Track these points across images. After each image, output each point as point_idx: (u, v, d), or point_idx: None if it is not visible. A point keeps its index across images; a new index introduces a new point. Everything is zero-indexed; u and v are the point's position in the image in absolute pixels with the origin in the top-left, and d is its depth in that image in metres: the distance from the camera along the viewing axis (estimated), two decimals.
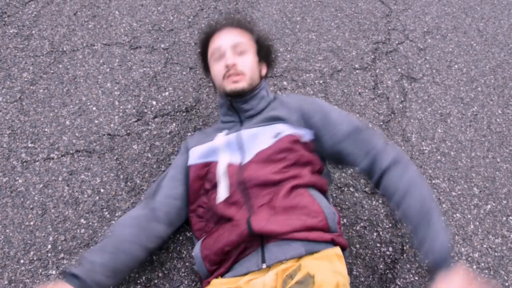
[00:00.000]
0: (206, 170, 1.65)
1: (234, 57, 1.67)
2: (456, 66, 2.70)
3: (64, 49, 2.50)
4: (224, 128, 1.74)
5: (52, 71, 2.38)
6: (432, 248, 1.34)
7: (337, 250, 1.40)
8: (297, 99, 1.74)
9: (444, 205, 2.01)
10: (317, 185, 1.58)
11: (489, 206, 2.03)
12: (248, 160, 1.58)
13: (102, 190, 1.96)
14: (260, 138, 1.61)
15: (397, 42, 2.80)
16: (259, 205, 1.47)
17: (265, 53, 1.84)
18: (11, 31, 2.56)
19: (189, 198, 1.70)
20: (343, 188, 2.03)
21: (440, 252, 1.33)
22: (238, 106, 1.72)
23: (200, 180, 1.66)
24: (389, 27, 2.89)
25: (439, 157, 2.20)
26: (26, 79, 2.33)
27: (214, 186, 1.60)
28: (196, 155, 1.69)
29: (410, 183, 1.46)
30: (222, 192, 1.55)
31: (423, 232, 1.37)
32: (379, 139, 1.59)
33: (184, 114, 2.25)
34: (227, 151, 1.63)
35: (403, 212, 1.44)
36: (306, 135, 1.64)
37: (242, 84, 1.66)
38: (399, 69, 2.62)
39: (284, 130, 1.61)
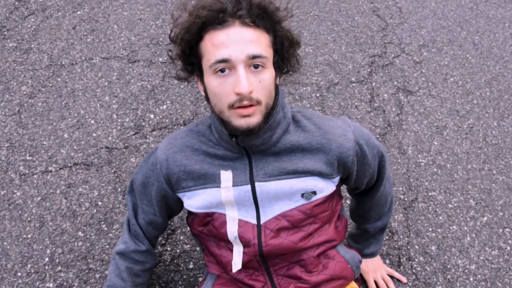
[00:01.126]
0: (208, 220, 1.34)
1: (249, 78, 1.09)
2: (451, 79, 2.72)
3: (63, 62, 2.52)
4: (225, 164, 1.28)
5: (50, 85, 2.39)
6: (367, 251, 1.72)
7: (353, 284, 1.51)
8: (337, 142, 1.26)
9: (440, 217, 2.01)
10: (341, 235, 1.45)
11: (485, 218, 2.04)
12: (266, 220, 1.28)
13: (99, 203, 1.97)
14: (282, 197, 1.27)
15: (393, 56, 2.82)
16: (279, 272, 1.35)
17: (287, 60, 1.28)
18: (10, 45, 2.58)
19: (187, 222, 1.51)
20: None
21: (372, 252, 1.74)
22: (244, 143, 1.21)
23: (201, 226, 1.39)
24: (385, 41, 2.92)
25: (435, 169, 2.21)
26: (24, 93, 2.34)
27: (222, 238, 1.34)
28: (193, 204, 1.33)
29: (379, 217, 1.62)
30: (237, 263, 1.32)
31: (369, 240, 1.70)
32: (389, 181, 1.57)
33: (181, 127, 2.26)
34: (236, 206, 1.29)
35: (363, 227, 1.66)
36: (337, 180, 1.34)
37: (255, 118, 1.12)
38: (395, 82, 2.64)
39: (318, 189, 1.28)
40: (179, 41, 1.18)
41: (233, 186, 1.26)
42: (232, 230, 1.29)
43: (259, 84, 1.11)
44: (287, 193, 1.26)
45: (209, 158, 1.28)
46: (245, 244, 1.29)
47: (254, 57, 1.08)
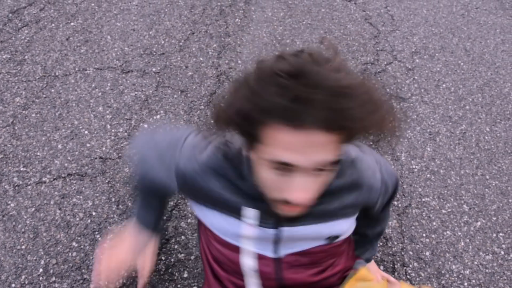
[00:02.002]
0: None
1: (306, 185, 0.89)
2: (444, 85, 2.74)
3: (57, 73, 2.52)
4: (249, 201, 1.09)
5: (44, 96, 2.40)
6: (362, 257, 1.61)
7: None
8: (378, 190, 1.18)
9: (434, 223, 2.02)
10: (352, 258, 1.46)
11: (479, 223, 2.05)
12: (284, 254, 1.21)
13: (94, 213, 1.96)
14: (307, 239, 1.20)
15: (385, 63, 2.84)
16: None
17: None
18: (4, 57, 2.58)
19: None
20: None
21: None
22: None
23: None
24: (378, 48, 2.94)
25: (428, 175, 2.22)
26: (18, 104, 2.35)
27: (232, 268, 1.26)
28: (207, 221, 1.22)
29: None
30: None
31: (365, 246, 1.62)
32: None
33: None
34: (256, 242, 1.18)
35: (361, 232, 1.57)
36: (357, 214, 1.27)
37: (299, 211, 0.99)
38: (388, 89, 2.66)
39: (343, 231, 1.22)
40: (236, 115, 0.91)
41: (258, 225, 1.12)
42: (248, 263, 1.21)
43: (316, 187, 0.92)
44: (312, 237, 1.19)
45: (232, 186, 1.09)
46: (265, 277, 1.23)
47: (322, 162, 0.86)
